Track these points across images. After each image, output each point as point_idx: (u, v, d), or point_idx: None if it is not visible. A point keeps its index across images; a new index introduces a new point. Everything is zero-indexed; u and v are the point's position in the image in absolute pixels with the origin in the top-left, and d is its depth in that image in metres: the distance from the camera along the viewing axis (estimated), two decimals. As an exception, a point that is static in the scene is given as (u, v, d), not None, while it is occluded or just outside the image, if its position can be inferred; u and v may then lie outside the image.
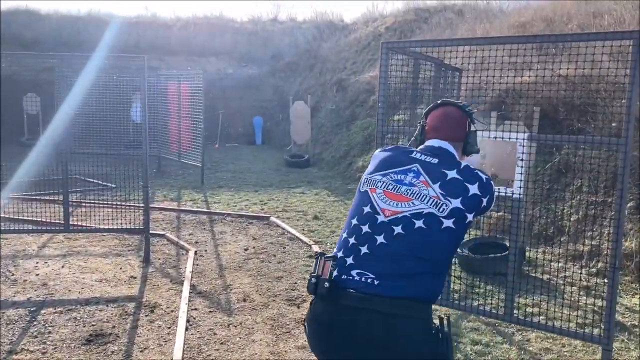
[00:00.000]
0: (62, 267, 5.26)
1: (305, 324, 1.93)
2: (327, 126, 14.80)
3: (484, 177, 1.93)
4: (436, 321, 1.80)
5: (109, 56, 6.65)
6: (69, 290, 4.65)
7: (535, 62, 5.90)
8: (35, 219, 6.42)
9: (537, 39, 3.72)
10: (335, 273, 1.82)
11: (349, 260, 1.83)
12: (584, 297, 4.37)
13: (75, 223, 6.31)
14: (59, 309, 4.23)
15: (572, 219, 5.81)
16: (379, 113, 3.95)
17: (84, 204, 7.80)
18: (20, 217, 6.68)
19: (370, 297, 1.74)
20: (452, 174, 1.90)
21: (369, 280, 1.76)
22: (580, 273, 4.89)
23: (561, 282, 4.85)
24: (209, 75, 19.10)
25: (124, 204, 7.31)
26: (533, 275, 5.04)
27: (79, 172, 9.06)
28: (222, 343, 3.73)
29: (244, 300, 4.51)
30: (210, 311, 4.27)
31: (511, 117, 6.19)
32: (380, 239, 1.83)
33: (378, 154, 2.10)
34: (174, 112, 11.01)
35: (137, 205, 6.64)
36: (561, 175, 6.27)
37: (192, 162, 10.26)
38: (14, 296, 4.49)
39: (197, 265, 5.40)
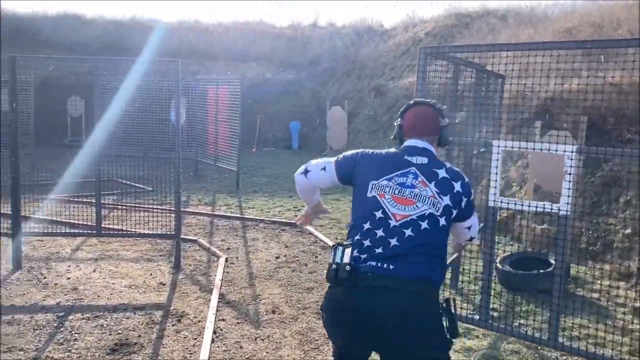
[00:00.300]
0: (94, 271, 5.26)
1: (324, 312, 2.14)
2: (364, 132, 14.64)
3: (465, 177, 2.26)
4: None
5: (144, 61, 6.67)
6: (98, 296, 4.63)
7: (582, 69, 5.61)
8: (70, 221, 6.48)
9: (587, 45, 3.48)
10: (353, 262, 2.06)
11: (364, 257, 2.08)
12: (635, 321, 4.08)
13: (109, 226, 6.34)
14: (87, 315, 4.20)
15: (620, 234, 5.47)
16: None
17: (119, 207, 7.85)
18: (56, 219, 6.76)
19: (386, 277, 2.01)
20: (442, 173, 2.20)
21: (384, 266, 2.04)
22: (630, 293, 4.58)
23: (609, 302, 4.55)
24: (248, 80, 19.22)
25: (158, 207, 7.33)
26: (579, 293, 4.75)
27: (118, 175, 9.18)
28: (247, 358, 3.61)
29: (273, 312, 4.38)
30: (237, 322, 4.16)
31: (556, 126, 5.90)
32: (393, 241, 2.08)
33: (369, 157, 2.31)
34: (211, 117, 11.05)
35: (170, 209, 6.63)
36: (608, 188, 5.93)
37: (228, 166, 10.25)
38: (43, 300, 4.49)
39: (228, 272, 5.32)
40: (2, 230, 5.51)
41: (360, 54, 18.87)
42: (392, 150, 2.35)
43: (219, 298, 4.60)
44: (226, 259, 5.69)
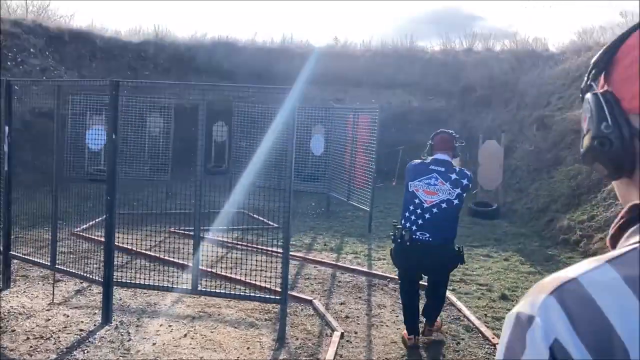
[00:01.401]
0: (185, 335, 4.41)
1: (393, 253, 4.38)
2: (522, 170, 12.72)
3: (468, 173, 4.26)
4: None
5: (250, 87, 5.85)
6: (176, 378, 3.72)
7: None
8: (173, 260, 5.77)
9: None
10: (409, 236, 4.12)
11: (414, 228, 4.11)
12: None
13: (217, 272, 5.53)
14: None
15: None
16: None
17: (238, 246, 7.11)
18: (167, 258, 6.14)
19: (428, 244, 4.08)
20: (453, 176, 4.13)
21: (426, 237, 4.08)
22: None
23: None
24: (393, 109, 18.14)
25: (278, 251, 6.42)
26: None
27: (248, 207, 8.52)
28: None
29: None
30: None
31: None
32: (427, 215, 4.09)
33: (410, 167, 4.37)
34: (347, 148, 10.07)
35: (293, 255, 5.65)
36: None
37: (360, 205, 9.15)
38: (113, 377, 3.69)
39: (341, 356, 4.16)
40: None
41: (521, 81, 16.87)
42: (425, 161, 4.30)
43: (321, 402, 3.44)
44: (342, 334, 4.53)
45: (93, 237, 7.17)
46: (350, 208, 9.95)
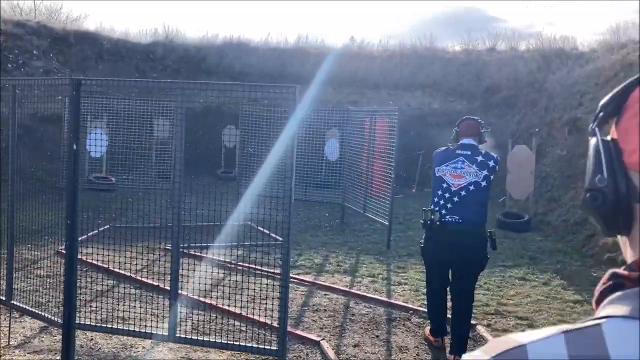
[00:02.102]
0: (161, 391, 3.57)
1: (423, 242, 4.29)
2: (554, 177, 11.70)
3: (494, 155, 4.17)
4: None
5: (253, 85, 4.95)
6: None
7: None
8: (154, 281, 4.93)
9: None
10: (439, 217, 4.05)
11: (444, 212, 4.04)
12: None
13: (208, 302, 4.68)
14: None
15: None
16: None
17: (239, 268, 6.27)
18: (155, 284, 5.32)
19: (458, 226, 3.98)
20: (479, 158, 4.07)
21: (456, 219, 4.01)
22: None
23: None
24: (412, 111, 17.20)
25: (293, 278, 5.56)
26: None
27: (255, 219, 7.71)
28: None
29: None
30: None
31: None
32: (455, 199, 4.02)
33: (437, 154, 4.29)
34: (363, 154, 9.19)
35: (299, 280, 4.78)
36: None
37: (378, 218, 8.26)
38: None
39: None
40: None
41: (549, 80, 15.83)
42: (450, 147, 4.26)
43: None
44: (355, 390, 3.65)
45: (80, 257, 6.38)
46: (366, 219, 9.07)
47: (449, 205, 4.03)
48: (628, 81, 0.66)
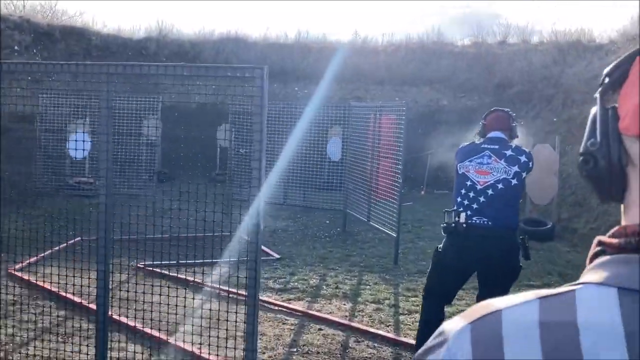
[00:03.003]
0: None
1: (441, 250, 3.60)
2: (576, 178, 10.68)
3: (527, 150, 3.65)
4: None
5: (204, 67, 3.93)
6: None
7: None
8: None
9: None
10: (464, 219, 3.48)
11: (469, 213, 3.46)
12: None
13: (163, 338, 3.71)
14: None
15: None
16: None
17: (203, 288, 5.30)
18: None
19: (487, 229, 3.43)
20: (509, 152, 3.53)
21: (484, 222, 3.45)
22: None
23: None
24: (419, 108, 16.20)
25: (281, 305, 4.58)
26: None
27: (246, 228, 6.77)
28: None
29: None
30: None
31: None
32: (482, 198, 3.47)
33: (460, 150, 3.73)
34: (366, 155, 8.20)
35: (294, 311, 3.84)
36: None
37: (384, 228, 7.27)
38: None
39: None
40: None
41: (566, 74, 14.81)
42: (474, 142, 3.73)
43: None
44: None
45: (35, 279, 5.45)
46: (371, 227, 8.08)
47: (474, 206, 3.50)
48: (633, 50, 0.65)
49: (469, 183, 3.54)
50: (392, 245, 6.98)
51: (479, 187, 3.51)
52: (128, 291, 3.58)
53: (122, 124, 10.80)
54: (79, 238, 7.26)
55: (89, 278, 3.66)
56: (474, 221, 3.47)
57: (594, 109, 0.65)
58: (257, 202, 2.85)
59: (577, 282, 0.57)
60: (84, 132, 10.27)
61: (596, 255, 0.59)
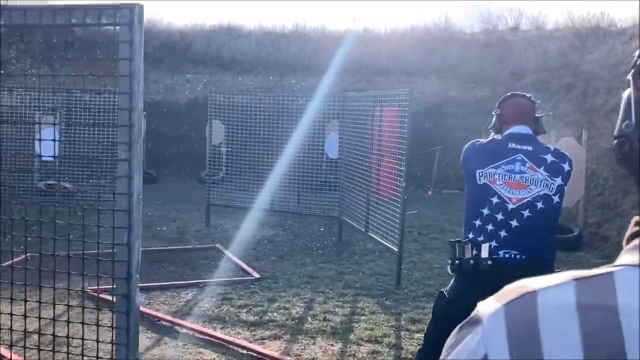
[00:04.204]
0: None
1: (449, 295, 2.46)
2: (604, 178, 9.51)
3: (567, 154, 2.57)
4: None
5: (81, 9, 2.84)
6: None
7: None
8: None
9: None
10: (489, 254, 2.39)
11: (494, 244, 2.39)
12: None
13: None
14: None
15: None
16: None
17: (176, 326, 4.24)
18: None
19: (521, 267, 2.31)
20: (549, 157, 2.48)
21: (517, 257, 2.38)
22: None
23: None
24: (426, 100, 15.04)
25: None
26: None
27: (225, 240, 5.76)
28: None
29: None
30: None
31: None
32: (514, 222, 2.41)
33: (474, 149, 2.61)
34: (363, 153, 7.07)
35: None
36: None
37: (385, 241, 6.15)
38: None
39: None
40: None
41: (586, 61, 13.61)
42: (495, 138, 2.59)
43: None
44: None
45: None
46: (370, 237, 6.97)
47: (502, 234, 2.44)
48: None
49: (495, 200, 2.48)
50: (395, 260, 5.87)
51: (510, 206, 2.45)
52: None
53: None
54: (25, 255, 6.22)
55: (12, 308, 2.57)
56: (502, 256, 2.41)
57: (627, 92, 0.64)
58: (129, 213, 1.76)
59: (615, 263, 0.55)
60: (54, 130, 9.20)
61: (634, 235, 0.58)
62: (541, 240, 2.48)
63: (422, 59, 15.91)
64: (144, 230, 7.58)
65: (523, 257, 2.42)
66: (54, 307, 2.37)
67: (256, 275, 5.70)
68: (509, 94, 2.78)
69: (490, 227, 2.46)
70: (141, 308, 4.65)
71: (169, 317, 4.49)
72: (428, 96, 15.03)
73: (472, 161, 2.59)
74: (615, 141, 0.63)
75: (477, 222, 2.49)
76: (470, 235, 2.48)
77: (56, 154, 9.81)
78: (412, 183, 12.60)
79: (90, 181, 9.95)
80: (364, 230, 6.70)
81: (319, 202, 8.20)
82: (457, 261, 2.44)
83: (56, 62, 14.06)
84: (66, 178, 10.01)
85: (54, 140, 8.46)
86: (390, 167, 6.41)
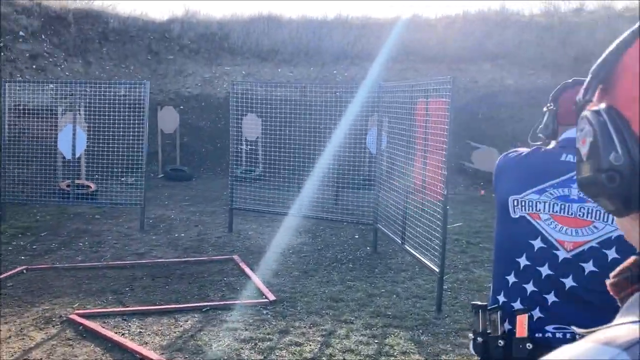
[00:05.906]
0: None
1: None
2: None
3: None
4: None
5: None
6: None
7: None
8: None
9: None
10: (529, 333, 1.54)
11: (537, 314, 1.55)
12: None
13: None
14: None
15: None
16: None
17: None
18: None
19: None
20: None
21: (566, 335, 1.52)
22: None
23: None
24: (479, 89, 13.84)
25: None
26: None
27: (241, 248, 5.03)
28: None
29: None
30: None
31: None
32: (569, 281, 1.53)
33: (511, 162, 1.70)
34: (400, 150, 6.09)
35: None
36: None
37: (423, 257, 5.18)
38: None
39: None
40: None
41: (664, 42, 12.00)
42: (540, 147, 1.68)
43: None
44: None
45: None
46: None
47: (549, 299, 1.55)
48: (618, 40, 0.60)
49: (538, 244, 1.58)
50: (435, 283, 4.92)
51: (563, 254, 1.55)
52: None
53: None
54: (24, 268, 5.65)
55: None
56: (550, 336, 1.55)
57: (589, 114, 0.59)
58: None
59: (629, 319, 0.51)
60: (78, 127, 8.67)
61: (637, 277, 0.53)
62: (604, 310, 1.50)
63: (475, 45, 14.65)
64: (161, 237, 6.91)
65: (577, 337, 1.47)
66: None
67: (271, 297, 4.87)
68: (569, 80, 1.82)
69: (531, 287, 1.59)
70: (125, 341, 3.93)
71: (155, 357, 3.72)
72: (482, 85, 13.81)
73: (504, 182, 1.71)
74: (604, 175, 0.56)
75: (511, 279, 1.63)
76: (501, 299, 1.62)
77: (80, 152, 9.29)
78: (462, 181, 11.51)
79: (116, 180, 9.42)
80: (400, 242, 5.75)
81: (359, 202, 7.33)
82: (479, 338, 1.58)
83: (90, 54, 13.67)
84: (92, 178, 9.51)
85: (73, 137, 7.69)
86: (435, 166, 5.44)
